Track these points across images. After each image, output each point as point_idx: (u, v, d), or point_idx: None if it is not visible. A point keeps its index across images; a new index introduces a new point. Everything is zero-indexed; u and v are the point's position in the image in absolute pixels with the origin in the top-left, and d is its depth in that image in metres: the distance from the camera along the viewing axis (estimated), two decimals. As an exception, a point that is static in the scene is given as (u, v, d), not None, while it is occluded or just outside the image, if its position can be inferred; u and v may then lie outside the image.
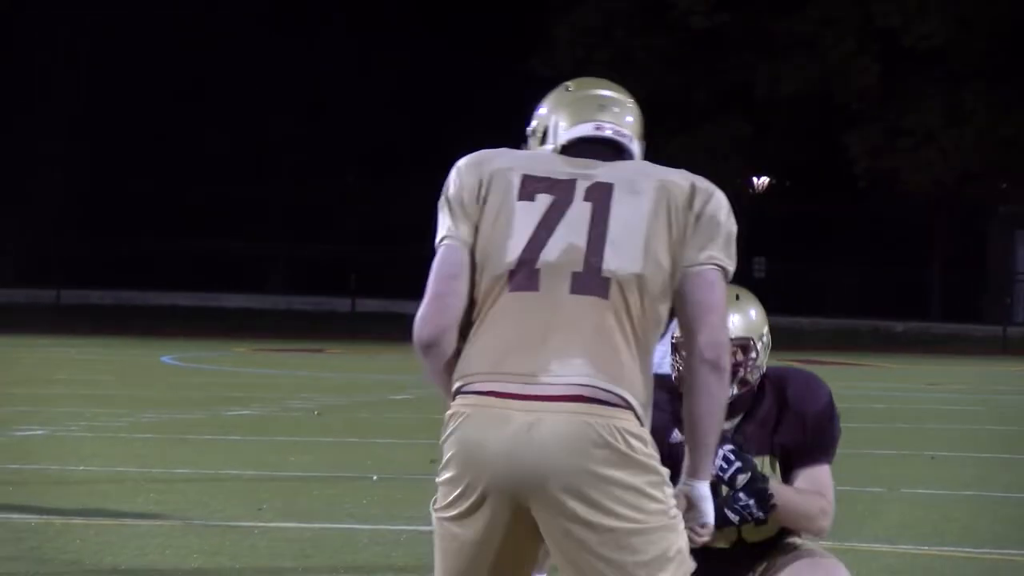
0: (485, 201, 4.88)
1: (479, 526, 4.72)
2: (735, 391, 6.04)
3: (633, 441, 4.69)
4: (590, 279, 4.78)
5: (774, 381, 6.26)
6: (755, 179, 57.35)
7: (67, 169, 57.61)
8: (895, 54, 51.90)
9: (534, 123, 5.15)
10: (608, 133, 5.03)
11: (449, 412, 4.78)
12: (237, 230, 55.96)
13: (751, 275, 55.94)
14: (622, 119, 5.12)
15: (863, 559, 10.13)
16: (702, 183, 4.91)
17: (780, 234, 55.75)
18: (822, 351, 37.90)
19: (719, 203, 4.90)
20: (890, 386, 27.65)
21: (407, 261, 54.66)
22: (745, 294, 6.34)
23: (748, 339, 6.12)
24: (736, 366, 6.00)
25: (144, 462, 14.46)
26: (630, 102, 5.22)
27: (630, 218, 4.83)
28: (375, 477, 13.68)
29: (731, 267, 4.92)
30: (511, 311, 4.78)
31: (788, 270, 54.15)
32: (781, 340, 39.39)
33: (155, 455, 15.04)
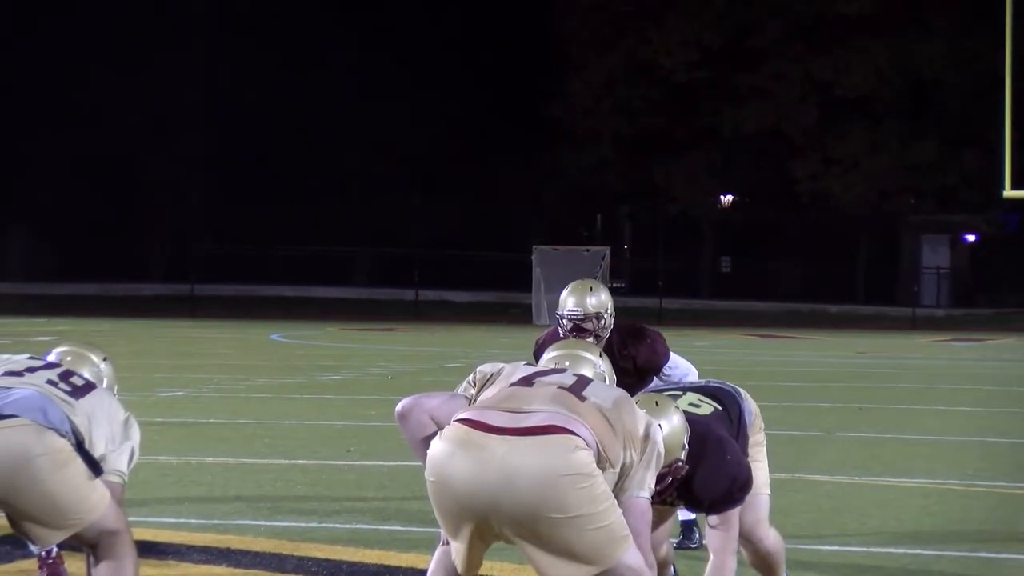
0: None
1: None
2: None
3: None
4: None
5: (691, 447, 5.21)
6: (723, 197, 57.22)
7: (200, 192, 57.74)
8: (829, 101, 51.77)
9: None
10: None
11: None
12: (329, 238, 56.02)
13: (720, 271, 55.89)
14: None
15: (809, 487, 10.08)
16: None
17: (742, 239, 55.68)
18: (774, 327, 37.80)
19: None
20: (827, 354, 27.57)
21: (456, 261, 55.07)
22: (663, 400, 5.19)
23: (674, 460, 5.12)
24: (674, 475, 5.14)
25: (258, 415, 14.46)
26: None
27: None
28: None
29: None
30: None
31: (748, 266, 54.04)
32: (743, 319, 38.86)
33: (267, 410, 15.04)
